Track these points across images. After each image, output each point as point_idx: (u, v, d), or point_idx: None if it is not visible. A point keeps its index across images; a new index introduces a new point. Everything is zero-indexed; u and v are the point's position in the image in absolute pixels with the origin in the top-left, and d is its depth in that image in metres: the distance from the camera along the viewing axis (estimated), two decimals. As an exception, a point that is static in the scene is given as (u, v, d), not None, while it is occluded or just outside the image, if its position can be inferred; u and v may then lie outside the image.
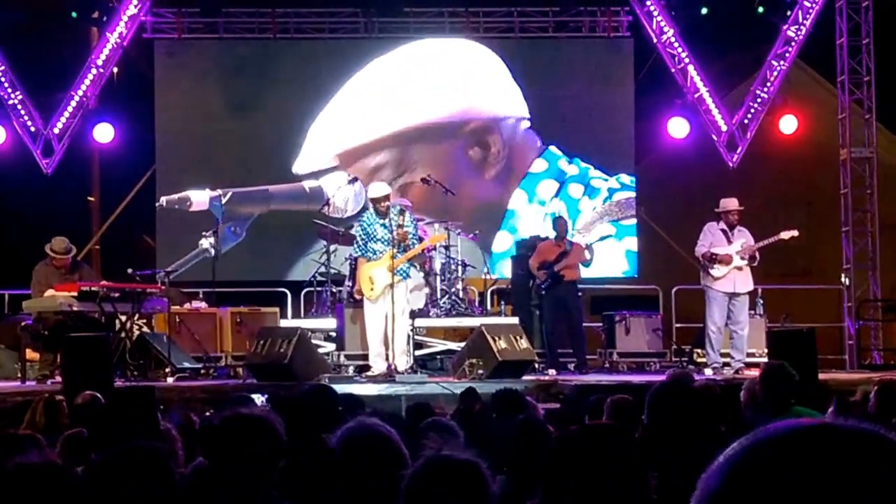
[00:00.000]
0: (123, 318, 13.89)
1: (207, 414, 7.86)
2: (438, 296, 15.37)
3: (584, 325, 15.65)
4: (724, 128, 18.95)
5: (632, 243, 19.03)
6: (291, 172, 18.67)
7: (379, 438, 3.59)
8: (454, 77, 19.08)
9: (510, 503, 4.38)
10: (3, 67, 18.02)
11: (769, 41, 18.93)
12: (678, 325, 17.52)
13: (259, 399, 10.97)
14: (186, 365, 14.37)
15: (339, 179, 17.72)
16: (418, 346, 14.88)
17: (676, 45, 18.72)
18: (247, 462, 3.76)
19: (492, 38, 19.38)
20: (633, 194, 19.07)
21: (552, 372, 14.56)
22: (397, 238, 13.29)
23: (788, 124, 18.95)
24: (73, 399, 8.16)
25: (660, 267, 19.23)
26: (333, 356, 14.79)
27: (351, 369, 14.43)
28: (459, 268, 15.77)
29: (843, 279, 18.45)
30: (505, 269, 17.63)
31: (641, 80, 19.35)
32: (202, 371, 14.68)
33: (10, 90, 18.08)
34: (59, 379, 12.45)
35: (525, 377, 13.41)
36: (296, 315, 16.92)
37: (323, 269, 15.82)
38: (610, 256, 18.27)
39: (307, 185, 18.46)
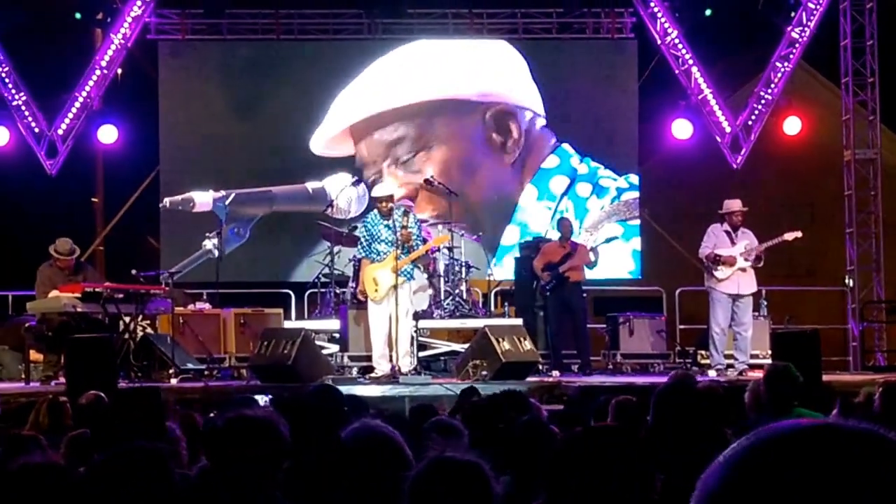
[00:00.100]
0: (127, 319, 13.90)
1: (211, 415, 7.86)
2: (442, 297, 15.37)
3: (588, 326, 15.64)
4: (727, 129, 18.94)
5: (639, 243, 19.04)
6: (295, 174, 18.66)
7: (382, 440, 3.59)
8: (481, 60, 19.15)
9: (514, 504, 4.37)
10: (7, 68, 18.04)
11: (773, 43, 18.92)
12: (682, 327, 17.50)
13: (262, 399, 10.98)
14: (190, 366, 14.38)
15: (342, 181, 17.72)
16: (422, 347, 14.88)
17: (680, 46, 18.70)
18: (250, 463, 3.76)
19: (495, 40, 19.38)
20: (638, 195, 19.09)
21: (556, 373, 14.56)
22: (401, 239, 13.30)
23: (792, 126, 18.95)
24: (77, 400, 8.16)
25: (663, 268, 19.22)
26: (337, 357, 14.80)
27: (354, 370, 14.44)
28: (463, 269, 15.77)
29: (846, 280, 18.44)
30: (510, 268, 17.60)
31: (645, 81, 19.33)
32: (206, 372, 14.68)
33: (14, 91, 18.09)
34: (62, 380, 12.46)
35: (529, 378, 13.41)
36: (299, 316, 16.93)
37: (327, 271, 15.82)
38: (616, 256, 18.25)
39: (310, 186, 18.46)
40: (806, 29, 18.55)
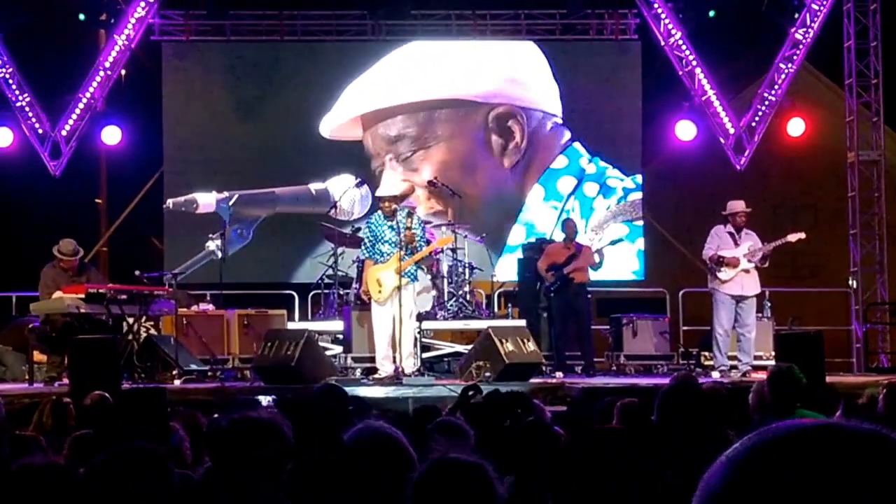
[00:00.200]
0: (131, 320, 13.90)
1: (215, 416, 7.86)
2: (445, 298, 15.37)
3: (592, 327, 15.63)
4: (731, 130, 18.93)
5: (643, 244, 19.05)
6: (298, 175, 18.68)
7: (386, 440, 3.59)
8: (492, 59, 19.20)
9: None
10: (11, 69, 18.05)
11: (777, 44, 18.91)
12: (685, 328, 17.50)
13: (265, 400, 10.98)
14: (194, 367, 14.39)
15: (345, 182, 17.75)
16: (425, 348, 14.88)
17: (684, 47, 18.70)
18: (254, 465, 3.76)
19: (482, 43, 19.37)
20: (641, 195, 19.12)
21: (559, 374, 14.56)
22: (405, 240, 13.30)
23: (796, 127, 18.93)
24: (81, 401, 8.16)
25: (667, 270, 19.22)
26: (341, 358, 14.80)
27: (358, 372, 14.45)
28: (466, 270, 15.78)
29: (850, 282, 18.43)
30: (513, 268, 17.59)
31: (649, 82, 19.33)
32: (209, 373, 14.69)
33: (18, 92, 18.10)
34: (66, 381, 12.46)
35: (532, 380, 13.41)
36: (303, 317, 16.92)
37: (330, 272, 15.82)
38: (622, 256, 18.23)
39: (313, 187, 18.47)
40: (809, 30, 18.54)
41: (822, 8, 18.36)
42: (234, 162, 18.83)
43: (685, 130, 18.82)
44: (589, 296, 15.41)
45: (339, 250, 15.70)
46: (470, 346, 14.61)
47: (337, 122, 18.71)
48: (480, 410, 5.98)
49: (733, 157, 18.97)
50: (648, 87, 19.34)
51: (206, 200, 18.19)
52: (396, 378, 13.14)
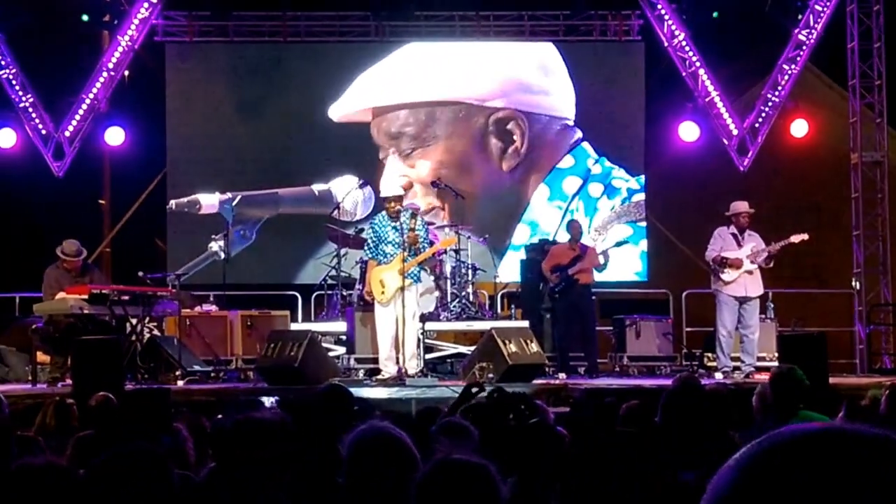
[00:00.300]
0: (134, 321, 13.91)
1: (219, 417, 7.87)
2: (449, 299, 15.37)
3: (596, 328, 15.63)
4: (734, 132, 18.92)
5: (646, 245, 19.06)
6: (301, 176, 18.70)
7: (390, 441, 3.59)
8: (498, 62, 19.25)
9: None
10: (14, 70, 18.07)
11: (780, 45, 18.90)
12: (688, 329, 17.50)
13: (268, 401, 11.00)
14: (197, 368, 14.40)
15: (348, 183, 17.76)
16: (428, 349, 14.88)
17: (687, 48, 18.69)
18: (258, 465, 3.76)
19: (503, 42, 19.40)
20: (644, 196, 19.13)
21: (562, 376, 14.54)
22: (408, 241, 13.29)
23: (799, 128, 18.92)
24: (84, 402, 8.17)
25: (670, 271, 19.21)
26: (344, 359, 14.80)
27: (361, 373, 14.44)
28: (469, 271, 15.78)
29: (853, 283, 18.42)
30: (515, 269, 17.59)
31: (652, 83, 19.33)
32: (212, 374, 14.70)
33: (21, 93, 18.11)
34: (69, 382, 12.46)
35: (535, 381, 13.40)
36: (306, 318, 16.94)
37: (333, 273, 15.83)
38: (625, 258, 18.22)
39: (316, 188, 18.49)
40: (813, 31, 18.54)
41: (825, 9, 18.36)
42: (237, 163, 18.85)
43: (688, 131, 18.83)
44: (593, 297, 15.40)
45: (343, 251, 15.71)
46: (473, 348, 14.60)
47: (346, 110, 18.77)
48: (484, 410, 5.97)
49: (736, 158, 18.96)
50: (652, 88, 19.34)
51: (209, 201, 18.21)
52: (399, 379, 13.13)
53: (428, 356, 14.66)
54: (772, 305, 16.34)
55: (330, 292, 16.01)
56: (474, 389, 6.78)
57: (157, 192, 18.95)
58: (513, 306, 17.28)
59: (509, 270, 17.99)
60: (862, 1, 18.19)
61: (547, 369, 14.54)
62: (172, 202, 18.48)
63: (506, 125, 18.96)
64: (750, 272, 14.32)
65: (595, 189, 19.03)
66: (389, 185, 14.38)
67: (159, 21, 18.77)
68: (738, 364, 14.50)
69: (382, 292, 13.37)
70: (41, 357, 14.42)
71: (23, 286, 16.44)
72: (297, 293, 17.54)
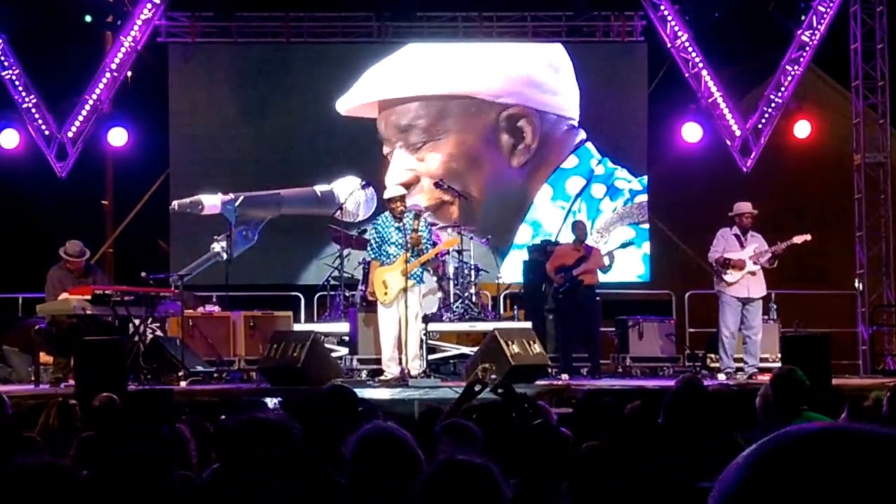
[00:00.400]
0: (137, 321, 13.91)
1: (222, 418, 7.87)
2: (451, 300, 15.37)
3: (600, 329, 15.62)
4: (737, 133, 18.91)
5: (648, 247, 19.06)
6: (304, 177, 18.70)
7: (394, 441, 3.59)
8: (511, 60, 19.30)
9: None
10: (17, 71, 18.07)
11: (783, 46, 18.89)
12: (691, 330, 17.49)
13: (271, 402, 11.00)
14: (199, 369, 14.40)
15: (351, 184, 17.75)
16: (431, 350, 14.87)
17: (690, 49, 18.69)
18: (261, 465, 3.76)
19: (505, 43, 19.40)
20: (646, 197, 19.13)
21: (565, 377, 14.54)
22: (411, 242, 13.29)
23: (802, 129, 18.92)
24: (87, 402, 8.17)
25: (673, 271, 19.21)
26: (346, 360, 14.79)
27: (364, 373, 14.44)
28: (472, 272, 15.78)
29: (856, 284, 18.41)
30: (518, 270, 17.59)
31: (655, 84, 19.33)
32: (215, 375, 14.71)
33: (24, 94, 18.12)
34: (72, 382, 12.47)
35: (538, 382, 13.40)
36: (309, 319, 16.93)
37: (336, 273, 15.83)
38: (627, 260, 18.24)
39: (319, 189, 18.49)
40: (816, 32, 18.53)
41: (828, 10, 18.35)
42: (240, 163, 18.86)
43: (691, 132, 18.82)
44: (598, 298, 15.39)
45: (345, 252, 15.71)
46: (476, 348, 14.59)
47: (353, 104, 18.78)
48: (489, 410, 5.97)
49: (739, 159, 18.95)
50: (655, 90, 19.33)
51: (212, 202, 18.22)
52: (402, 380, 13.14)
53: (431, 357, 14.65)
54: (774, 306, 16.33)
55: (333, 293, 16.01)
56: (477, 387, 6.77)
57: (159, 192, 18.96)
58: (515, 307, 17.28)
59: (512, 271, 17.99)
60: (865, 2, 18.18)
61: (549, 370, 14.54)
62: (175, 203, 18.48)
63: (517, 121, 18.98)
64: (753, 273, 14.32)
65: (598, 190, 19.03)
66: (396, 178, 14.35)
67: (162, 22, 18.77)
68: (740, 365, 14.50)
69: (385, 293, 13.37)
70: (44, 358, 14.42)
71: (26, 287, 16.45)
72: (300, 294, 17.54)
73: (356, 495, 3.57)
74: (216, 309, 16.31)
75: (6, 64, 18.02)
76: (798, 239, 14.34)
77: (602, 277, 15.36)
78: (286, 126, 19.02)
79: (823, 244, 18.21)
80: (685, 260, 18.75)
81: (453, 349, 15.79)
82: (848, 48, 18.47)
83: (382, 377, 13.47)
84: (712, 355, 15.69)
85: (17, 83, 18.09)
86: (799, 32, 18.63)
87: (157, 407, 5.64)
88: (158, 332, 15.00)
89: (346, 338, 15.21)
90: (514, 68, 19.14)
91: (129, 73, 18.89)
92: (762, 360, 14.69)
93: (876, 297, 18.26)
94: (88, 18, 18.58)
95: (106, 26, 18.86)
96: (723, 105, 18.85)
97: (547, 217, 18.90)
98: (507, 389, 6.06)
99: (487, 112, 18.98)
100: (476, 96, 18.97)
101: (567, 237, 17.03)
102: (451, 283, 15.46)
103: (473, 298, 15.72)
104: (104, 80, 18.29)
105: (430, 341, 14.63)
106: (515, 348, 13.43)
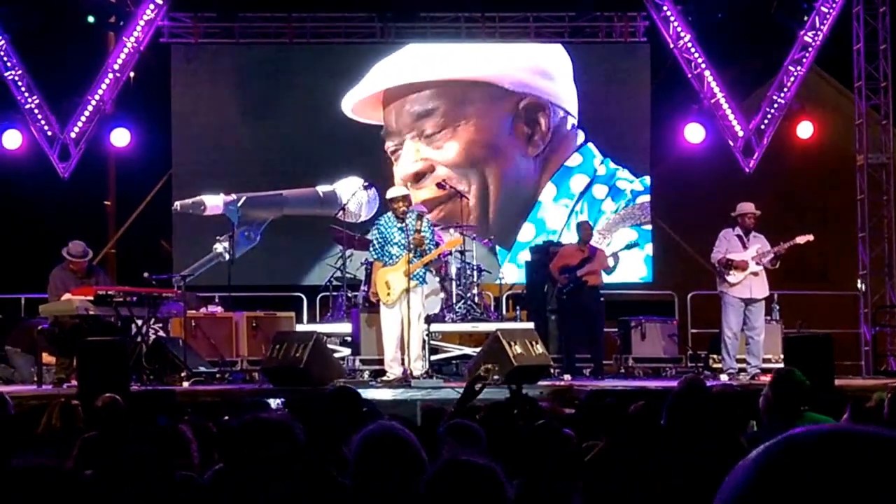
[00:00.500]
0: (139, 322, 13.91)
1: (225, 418, 7.87)
2: (454, 301, 15.38)
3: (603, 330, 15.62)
4: (740, 133, 18.92)
5: (651, 248, 19.07)
6: (306, 177, 18.72)
7: (398, 441, 3.59)
8: (525, 51, 19.45)
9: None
10: (20, 72, 18.08)
11: (786, 46, 18.89)
12: (694, 331, 17.48)
13: (274, 403, 10.99)
14: (202, 369, 14.41)
15: (353, 185, 17.76)
16: (434, 350, 14.87)
17: (693, 50, 18.69)
18: (264, 465, 3.76)
19: (508, 44, 19.42)
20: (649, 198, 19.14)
21: (567, 377, 14.54)
22: (413, 243, 13.29)
23: (805, 130, 18.92)
24: (89, 403, 8.17)
25: (675, 272, 19.20)
26: (349, 361, 14.79)
27: (366, 374, 14.44)
28: (475, 273, 15.79)
29: (859, 285, 18.41)
30: (521, 270, 17.59)
31: (658, 85, 19.33)
32: (218, 375, 14.71)
33: (27, 95, 18.13)
34: (74, 383, 12.47)
35: (540, 382, 13.40)
36: (311, 319, 16.93)
37: (338, 274, 15.83)
38: (630, 261, 18.23)
39: (321, 189, 18.50)
40: (819, 33, 18.53)
41: (831, 10, 18.35)
42: (242, 164, 18.88)
43: (694, 133, 18.83)
44: (602, 299, 15.37)
45: (348, 252, 15.71)
46: (478, 349, 14.59)
47: (360, 97, 18.79)
48: (495, 410, 5.98)
49: (742, 159, 18.95)
50: (657, 90, 19.34)
51: (214, 202, 18.23)
52: (405, 380, 13.15)
53: (433, 357, 14.65)
54: (777, 307, 16.33)
55: (335, 293, 16.01)
56: (478, 386, 6.78)
57: (162, 193, 18.97)
58: (518, 308, 17.28)
59: (514, 272, 17.99)
60: (868, 2, 18.18)
61: (552, 371, 14.53)
62: (177, 203, 18.49)
63: (535, 112, 19.08)
64: (755, 274, 14.32)
65: (599, 191, 19.04)
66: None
67: (165, 22, 18.79)
68: (743, 366, 14.49)
69: (388, 293, 13.37)
70: (47, 358, 14.43)
71: (28, 287, 16.46)
72: (303, 294, 17.55)
73: (359, 496, 3.57)
74: (219, 309, 16.31)
75: (9, 64, 18.03)
76: (800, 239, 14.34)
77: (604, 278, 15.35)
78: (288, 127, 19.03)
79: (826, 245, 18.18)
80: (688, 260, 18.74)
81: (456, 350, 15.79)
82: (851, 49, 18.46)
83: (385, 378, 13.48)
84: (715, 356, 15.68)
85: (19, 84, 18.11)
86: (801, 33, 18.63)
87: (160, 407, 5.64)
88: (161, 333, 15.01)
89: (349, 338, 15.21)
90: (528, 59, 19.32)
91: (132, 74, 18.90)
92: (765, 360, 14.69)
93: (878, 298, 18.26)
94: (91, 19, 18.60)
95: (108, 27, 18.88)
96: (725, 106, 18.85)
97: (550, 216, 18.91)
98: (516, 392, 6.07)
99: (505, 101, 19.08)
100: (494, 83, 19.01)
101: (569, 237, 17.03)
102: (454, 283, 15.46)
103: (476, 299, 15.73)
104: (107, 81, 18.30)
105: (432, 342, 14.63)
106: (518, 349, 13.43)
